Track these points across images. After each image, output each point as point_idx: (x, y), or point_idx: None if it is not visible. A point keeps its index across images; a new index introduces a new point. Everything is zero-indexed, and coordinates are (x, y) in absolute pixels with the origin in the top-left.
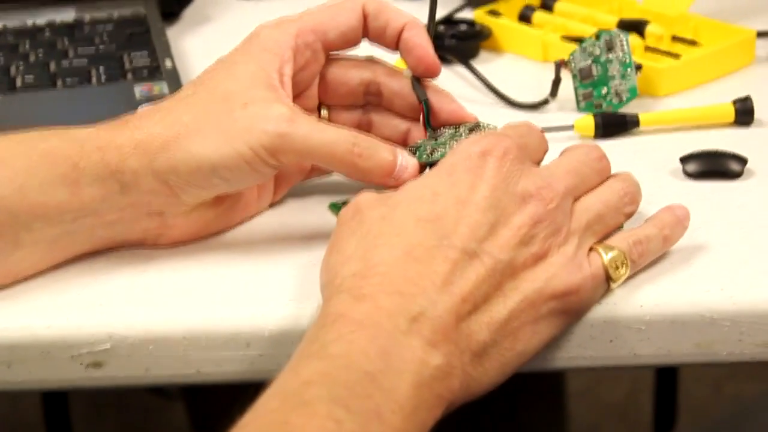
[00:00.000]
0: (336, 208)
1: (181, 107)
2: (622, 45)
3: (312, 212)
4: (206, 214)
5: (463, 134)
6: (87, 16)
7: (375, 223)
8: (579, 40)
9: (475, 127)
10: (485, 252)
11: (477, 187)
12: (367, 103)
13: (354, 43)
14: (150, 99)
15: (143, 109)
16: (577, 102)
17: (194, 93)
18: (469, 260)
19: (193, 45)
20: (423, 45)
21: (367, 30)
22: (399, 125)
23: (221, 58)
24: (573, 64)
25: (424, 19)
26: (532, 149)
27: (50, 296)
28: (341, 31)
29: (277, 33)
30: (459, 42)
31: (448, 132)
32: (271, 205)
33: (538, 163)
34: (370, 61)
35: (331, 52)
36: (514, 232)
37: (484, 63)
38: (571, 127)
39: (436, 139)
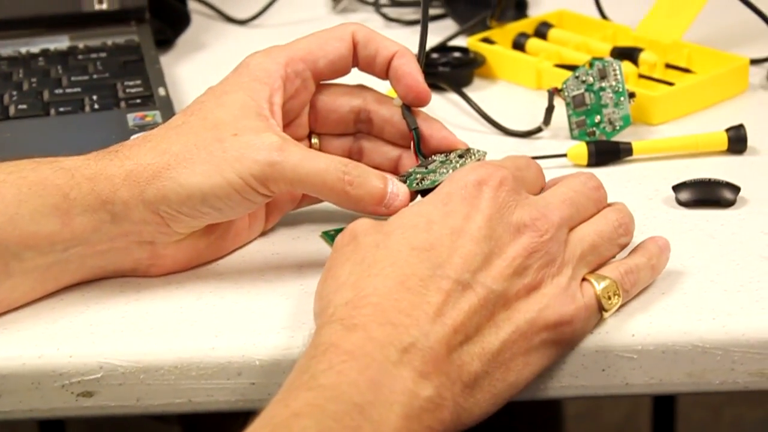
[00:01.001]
0: (328, 237)
1: (172, 136)
2: (615, 73)
3: (304, 241)
4: (197, 243)
5: (453, 161)
6: (81, 44)
7: (369, 250)
8: (573, 68)
9: (465, 153)
10: (478, 282)
11: (472, 216)
12: (357, 131)
13: (344, 71)
14: (143, 127)
15: (134, 139)
16: (571, 130)
17: (184, 122)
18: (462, 291)
19: (187, 72)
20: (412, 73)
21: (356, 58)
22: (389, 153)
23: (212, 87)
24: (566, 92)
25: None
26: (528, 181)
27: (41, 326)
28: (331, 59)
29: (266, 62)
30: (452, 69)
31: (438, 159)
32: (263, 234)
33: (536, 193)
34: (361, 88)
35: (321, 81)
36: (508, 262)
37: (477, 90)
38: (564, 155)
39: (426, 167)
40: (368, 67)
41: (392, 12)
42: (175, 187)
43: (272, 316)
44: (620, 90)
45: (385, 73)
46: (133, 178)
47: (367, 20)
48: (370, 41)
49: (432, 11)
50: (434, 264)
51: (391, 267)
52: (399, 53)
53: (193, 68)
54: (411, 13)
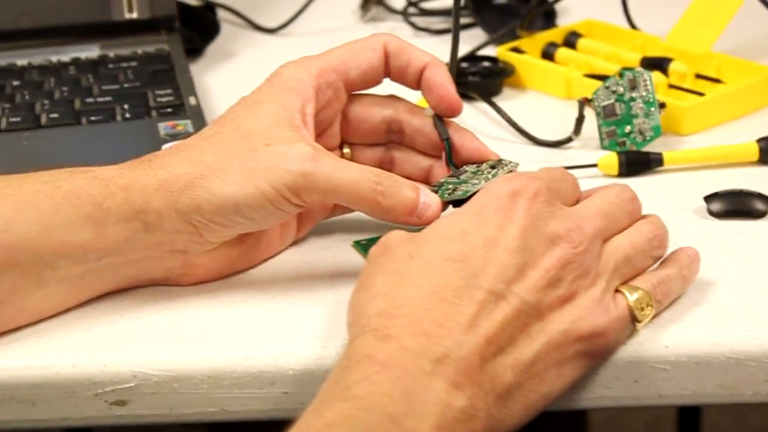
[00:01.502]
0: (360, 246)
1: (204, 146)
2: (645, 84)
3: (335, 250)
4: (230, 252)
5: (485, 171)
6: (111, 53)
7: (402, 261)
8: (602, 78)
9: (497, 164)
10: (512, 293)
11: (506, 227)
12: (389, 141)
13: (376, 82)
14: (175, 136)
15: (166, 148)
16: (601, 140)
17: (217, 132)
18: (495, 301)
19: (217, 81)
20: (444, 84)
21: (388, 69)
22: (421, 163)
23: (244, 97)
24: (597, 102)
25: (447, 55)
26: (563, 193)
27: (75, 335)
28: (363, 69)
29: (299, 72)
30: (482, 79)
31: (470, 170)
32: (294, 243)
33: (570, 204)
34: (392, 98)
35: (353, 91)
36: (542, 274)
37: (507, 100)
38: (594, 165)
39: (458, 177)
40: (400, 78)
41: (421, 21)
42: (208, 197)
43: (305, 326)
44: (651, 100)
45: (416, 84)
46: (166, 187)
47: (396, 29)
48: (401, 52)
49: (461, 20)
50: (468, 275)
51: (425, 277)
52: (431, 64)
53: (223, 77)
54: (439, 23)
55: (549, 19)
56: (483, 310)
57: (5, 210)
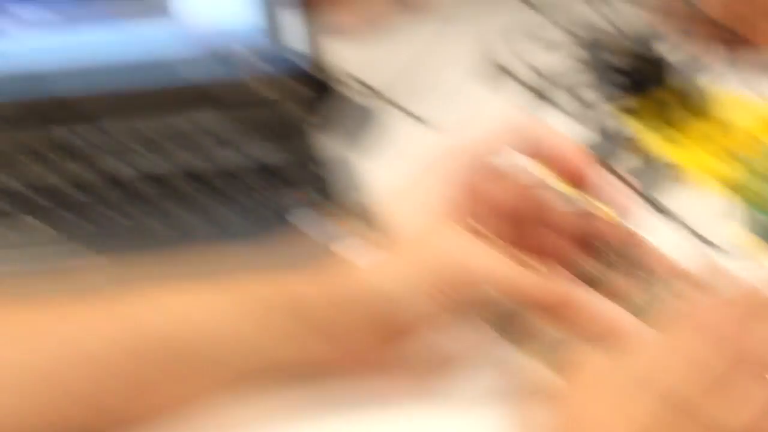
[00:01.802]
0: (541, 354)
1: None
2: None
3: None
4: (383, 341)
5: (670, 288)
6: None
7: (610, 394)
8: (741, 158)
9: (688, 277)
10: (706, 415)
11: (702, 352)
12: (527, 221)
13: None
14: (339, 235)
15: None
16: (745, 223)
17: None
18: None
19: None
20: (578, 162)
21: (520, 146)
22: (557, 242)
23: (400, 185)
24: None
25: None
26: (760, 314)
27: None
28: (490, 146)
29: (451, 160)
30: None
31: (652, 282)
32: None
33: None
34: (545, 186)
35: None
36: (749, 404)
37: (674, 197)
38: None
39: (644, 289)
40: (552, 166)
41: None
42: (367, 293)
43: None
44: None
45: (552, 161)
46: (323, 279)
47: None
48: (532, 132)
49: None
50: (666, 399)
51: (646, 414)
52: (563, 142)
53: (377, 165)
54: (573, 101)
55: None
56: None
57: (180, 309)
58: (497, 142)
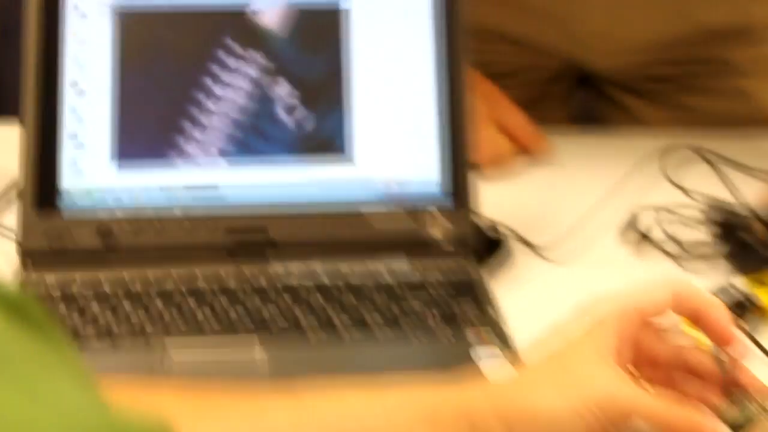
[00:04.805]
0: None
1: (525, 365)
2: None
3: None
4: None
5: (757, 404)
6: (421, 270)
7: None
8: None
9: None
10: None
11: None
12: (675, 369)
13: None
14: (486, 354)
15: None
16: None
17: (539, 360)
18: None
19: (502, 297)
20: (723, 322)
21: (676, 308)
22: (697, 385)
23: (557, 326)
24: None
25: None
26: None
27: None
28: (656, 309)
29: (605, 309)
30: (733, 308)
31: (751, 405)
32: None
33: None
34: (680, 333)
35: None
36: None
37: (753, 328)
38: None
39: (741, 411)
40: (684, 315)
41: (673, 249)
42: (528, 407)
43: None
44: None
45: (698, 321)
46: (493, 396)
47: (650, 254)
48: (689, 298)
49: (707, 251)
50: None
51: None
52: (713, 306)
53: (505, 292)
54: (705, 269)
55: None
56: None
57: (360, 408)
58: (662, 304)
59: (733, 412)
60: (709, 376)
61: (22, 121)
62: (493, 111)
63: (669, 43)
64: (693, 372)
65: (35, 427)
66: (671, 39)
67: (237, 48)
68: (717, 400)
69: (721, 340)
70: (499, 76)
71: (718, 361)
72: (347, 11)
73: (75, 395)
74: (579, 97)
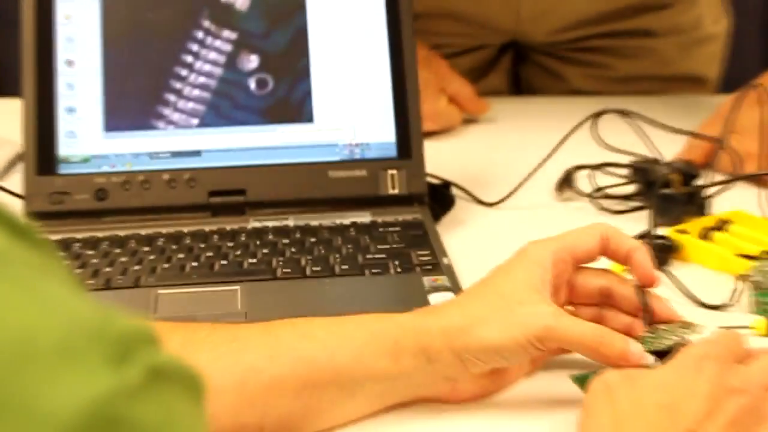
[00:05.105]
0: (577, 380)
1: (474, 302)
2: None
3: (558, 380)
4: (485, 381)
5: (676, 330)
6: (379, 219)
7: (624, 403)
8: (750, 257)
9: (686, 324)
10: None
11: (699, 383)
12: (600, 302)
13: (594, 259)
14: (436, 288)
15: (445, 302)
16: (752, 306)
17: (481, 292)
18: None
19: (453, 243)
20: (646, 265)
21: (604, 249)
22: (624, 320)
23: (499, 266)
24: (749, 277)
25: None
26: (736, 353)
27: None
28: (586, 250)
29: (541, 250)
30: (657, 253)
31: (662, 327)
32: (528, 374)
33: (742, 362)
34: (606, 272)
35: (578, 265)
36: (726, 418)
37: (674, 270)
38: (748, 327)
39: (654, 333)
40: (611, 257)
41: (603, 203)
42: (476, 342)
43: None
44: None
45: (625, 262)
46: (445, 331)
47: (583, 208)
48: (615, 238)
49: (633, 204)
50: (673, 418)
51: (641, 418)
52: (637, 248)
53: (457, 240)
54: (617, 204)
55: (704, 208)
56: None
57: (331, 342)
58: (591, 246)
59: (656, 342)
60: (634, 312)
61: (22, 97)
62: (441, 82)
63: (599, 19)
64: (620, 308)
65: (38, 325)
66: (602, 15)
67: (211, 25)
68: (641, 331)
69: (644, 279)
70: (451, 56)
71: (642, 298)
72: None
73: (74, 299)
74: (519, 68)
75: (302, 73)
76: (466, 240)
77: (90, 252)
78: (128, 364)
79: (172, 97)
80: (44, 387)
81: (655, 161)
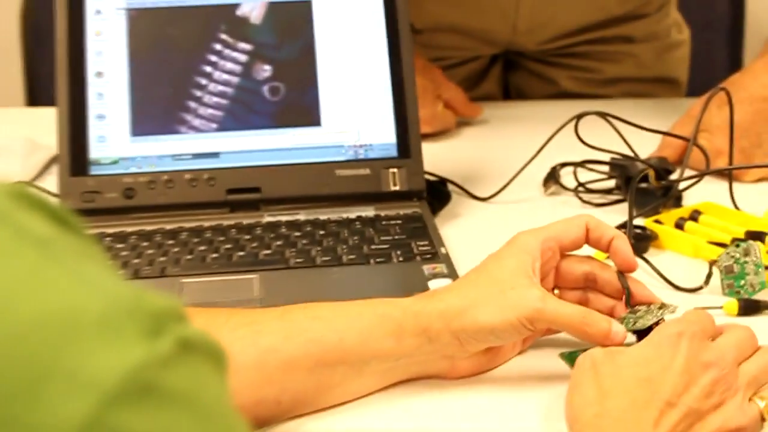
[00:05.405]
0: (565, 357)
1: (469, 287)
2: (755, 252)
3: (548, 358)
4: (480, 358)
5: (654, 310)
6: (382, 213)
7: (607, 377)
8: (720, 245)
9: (662, 305)
10: (682, 403)
11: (675, 358)
12: (585, 287)
13: (579, 247)
14: (435, 275)
15: (443, 286)
16: (722, 289)
17: (476, 278)
18: (671, 409)
19: (449, 235)
20: (626, 251)
21: (588, 238)
22: (607, 302)
23: (492, 254)
24: (720, 263)
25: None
26: (709, 331)
27: (377, 408)
28: (572, 239)
29: (530, 239)
30: (635, 242)
31: (642, 309)
32: (520, 353)
33: (713, 338)
34: (590, 258)
35: (564, 252)
36: (701, 389)
37: (652, 257)
38: (720, 308)
39: (635, 314)
40: (595, 245)
41: (585, 196)
42: (472, 323)
43: (534, 409)
44: (758, 263)
45: (606, 249)
46: (444, 314)
47: (567, 202)
48: (597, 228)
49: (613, 197)
50: (652, 390)
51: (625, 392)
52: (617, 237)
53: (453, 232)
54: (598, 198)
55: (678, 201)
56: (663, 415)
57: (340, 324)
58: (576, 235)
59: (636, 322)
60: (616, 295)
61: (57, 105)
62: (438, 89)
63: (586, 28)
64: (603, 292)
65: (82, 303)
66: (588, 25)
67: (227, 38)
68: (622, 313)
69: (624, 265)
70: (451, 66)
71: (623, 282)
72: (310, 3)
73: (111, 280)
74: (509, 74)
75: (311, 82)
76: (461, 231)
77: (119, 245)
78: (161, 336)
79: (192, 104)
80: (88, 357)
81: (633, 158)
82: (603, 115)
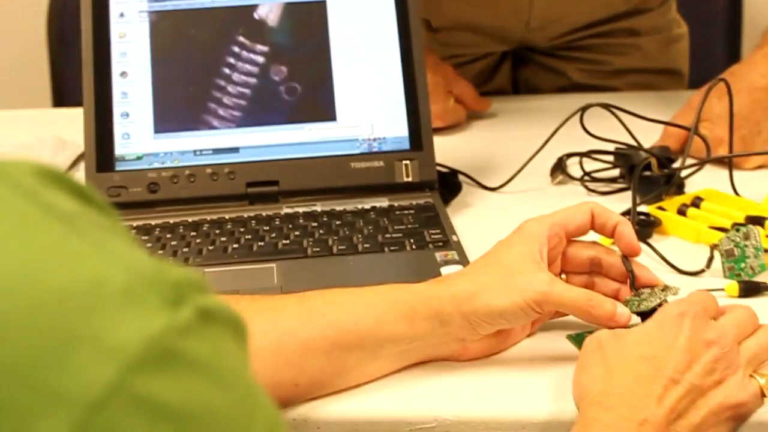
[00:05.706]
0: (572, 338)
1: (479, 272)
2: (755, 236)
3: (555, 340)
4: (491, 340)
5: (658, 293)
6: (396, 204)
7: (613, 356)
8: (720, 229)
9: (665, 288)
10: (685, 380)
11: (678, 337)
12: (591, 271)
13: (585, 233)
14: (447, 262)
15: (454, 272)
16: (724, 272)
17: (486, 263)
18: (674, 385)
19: (461, 223)
20: (630, 236)
21: (593, 225)
22: (612, 286)
23: (501, 241)
24: (721, 247)
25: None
26: (710, 311)
27: (392, 390)
28: (577, 225)
29: (537, 226)
30: (639, 228)
31: (646, 291)
32: (529, 335)
33: (715, 318)
34: (595, 244)
35: (570, 238)
36: (703, 366)
37: (655, 242)
38: (722, 290)
39: (639, 296)
40: (600, 231)
41: (591, 185)
42: (482, 306)
43: (545, 389)
44: (758, 247)
45: (611, 235)
46: (455, 298)
47: (573, 191)
48: (602, 214)
49: (617, 185)
50: (656, 368)
51: (629, 369)
52: (621, 222)
53: (464, 220)
54: (604, 186)
55: (680, 188)
56: (666, 391)
57: (355, 309)
58: (582, 221)
59: (641, 304)
60: (621, 278)
61: (83, 104)
62: (449, 85)
63: (594, 23)
64: (608, 275)
65: (106, 274)
66: (596, 20)
67: (245, 41)
68: (627, 295)
69: (628, 250)
70: (466, 63)
71: (627, 266)
72: (325, 3)
73: (134, 252)
74: (518, 69)
75: (326, 79)
76: (472, 220)
77: (144, 237)
78: (182, 306)
79: (212, 104)
80: (111, 324)
81: (636, 148)
82: (607, 107)
